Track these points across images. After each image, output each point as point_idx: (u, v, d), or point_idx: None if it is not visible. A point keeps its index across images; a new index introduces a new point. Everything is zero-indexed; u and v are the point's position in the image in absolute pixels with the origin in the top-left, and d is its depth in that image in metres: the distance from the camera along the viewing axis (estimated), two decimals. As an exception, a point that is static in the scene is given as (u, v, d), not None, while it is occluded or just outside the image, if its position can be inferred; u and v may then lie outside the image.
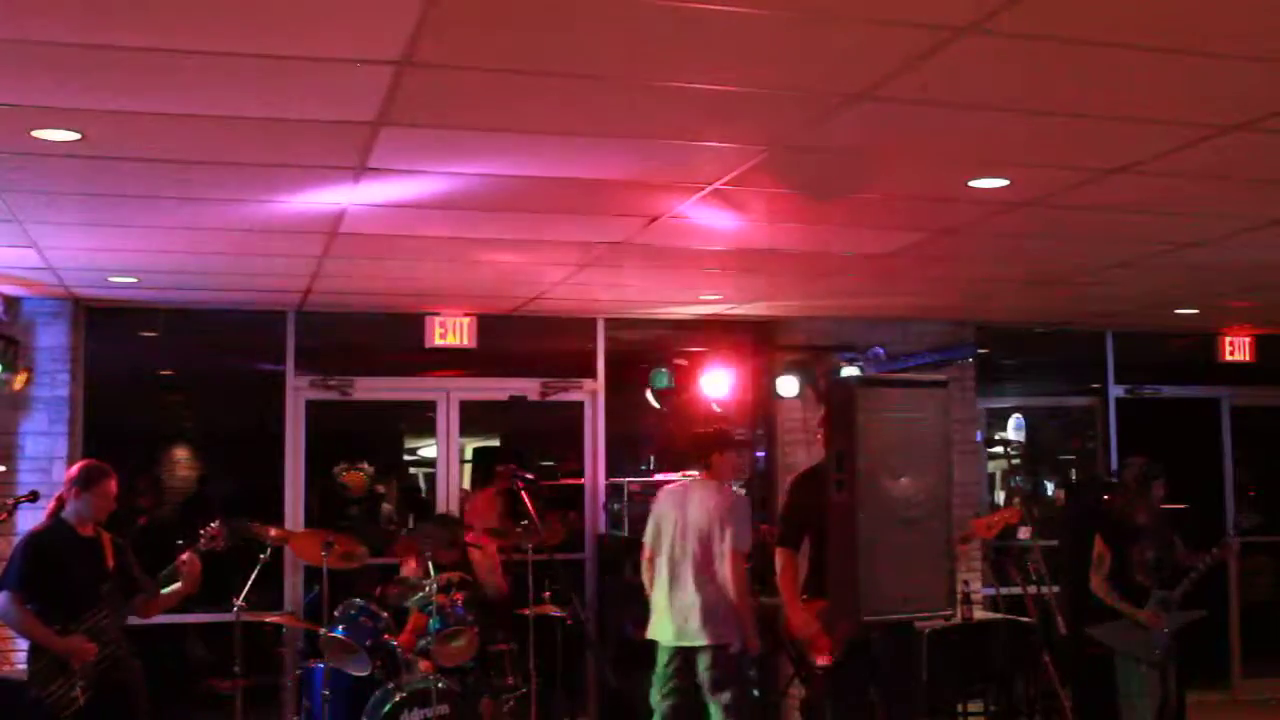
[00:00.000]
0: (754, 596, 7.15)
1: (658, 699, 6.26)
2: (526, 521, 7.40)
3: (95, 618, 5.73)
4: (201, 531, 6.14)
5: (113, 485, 5.91)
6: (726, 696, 6.07)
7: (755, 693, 6.69)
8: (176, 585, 6.01)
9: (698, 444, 6.48)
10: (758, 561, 7.05)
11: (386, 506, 10.25)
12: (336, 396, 8.64)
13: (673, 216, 5.64)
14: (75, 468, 6.04)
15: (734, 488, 6.64)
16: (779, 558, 6.07)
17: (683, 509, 6.30)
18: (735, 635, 6.10)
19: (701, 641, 6.11)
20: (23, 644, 6.22)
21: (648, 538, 6.43)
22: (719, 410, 8.91)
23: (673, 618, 6.19)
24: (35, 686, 5.65)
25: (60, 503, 5.91)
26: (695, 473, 6.50)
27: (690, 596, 6.15)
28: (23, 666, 6.13)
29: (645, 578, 6.44)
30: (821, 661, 6.03)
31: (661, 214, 5.62)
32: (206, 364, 9.12)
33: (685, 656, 6.16)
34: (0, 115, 4.06)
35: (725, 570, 6.09)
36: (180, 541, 6.28)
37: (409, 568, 7.59)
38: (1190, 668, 7.07)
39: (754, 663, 6.51)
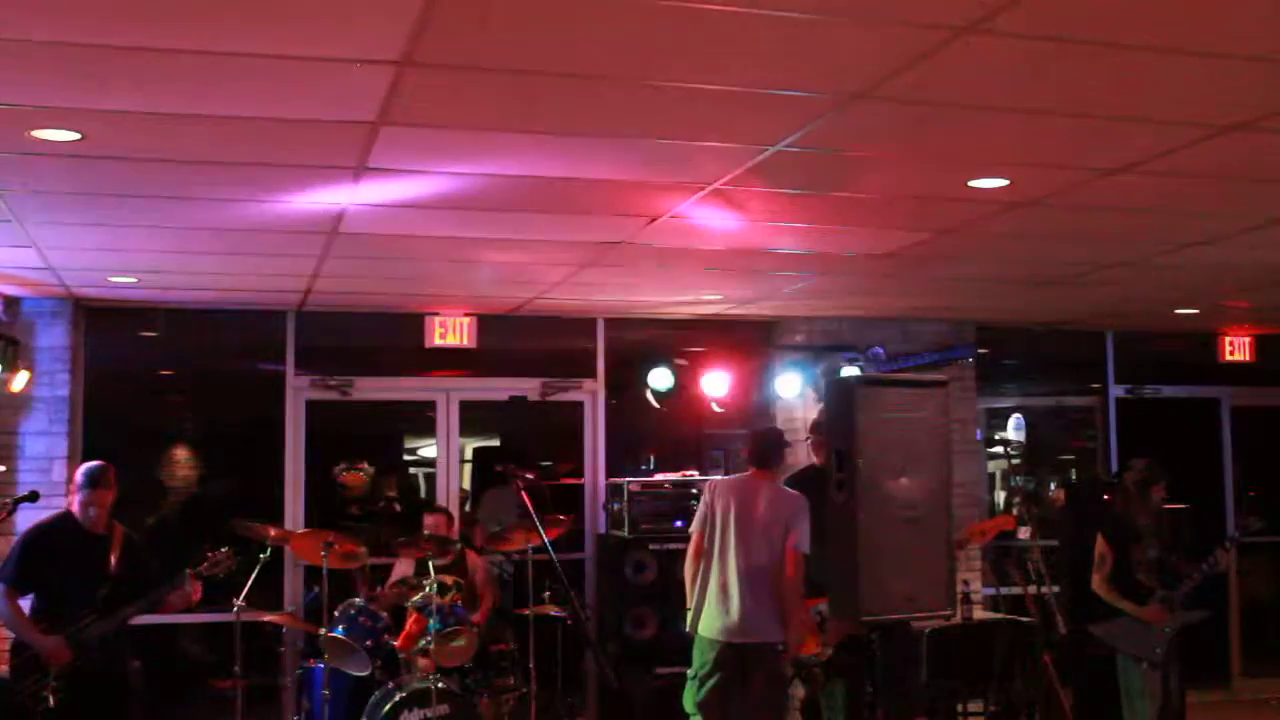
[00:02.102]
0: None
1: (696, 700, 6.04)
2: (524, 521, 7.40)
3: (82, 620, 5.72)
4: (209, 554, 6.11)
5: (107, 494, 5.90)
6: (770, 696, 5.91)
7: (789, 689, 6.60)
8: (173, 600, 6.00)
9: (767, 442, 6.28)
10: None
11: (396, 507, 10.27)
12: (336, 396, 8.64)
13: (673, 216, 5.65)
14: (81, 467, 6.06)
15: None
16: None
17: (746, 504, 6.06)
18: (784, 635, 5.95)
19: (757, 639, 5.92)
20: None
21: (697, 528, 6.18)
22: (719, 410, 8.91)
23: (725, 613, 5.96)
24: (13, 681, 5.69)
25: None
26: (750, 470, 6.26)
27: (749, 593, 5.92)
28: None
29: (688, 570, 6.19)
30: (812, 659, 6.03)
31: (661, 214, 5.62)
32: (206, 364, 9.12)
33: (736, 653, 5.96)
34: (0, 115, 4.06)
35: (787, 570, 5.92)
36: (180, 543, 6.28)
37: (402, 568, 7.60)
38: (1190, 668, 7.06)
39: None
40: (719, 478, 6.54)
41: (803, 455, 8.19)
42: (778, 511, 6.01)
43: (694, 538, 6.19)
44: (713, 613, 6.02)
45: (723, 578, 6.01)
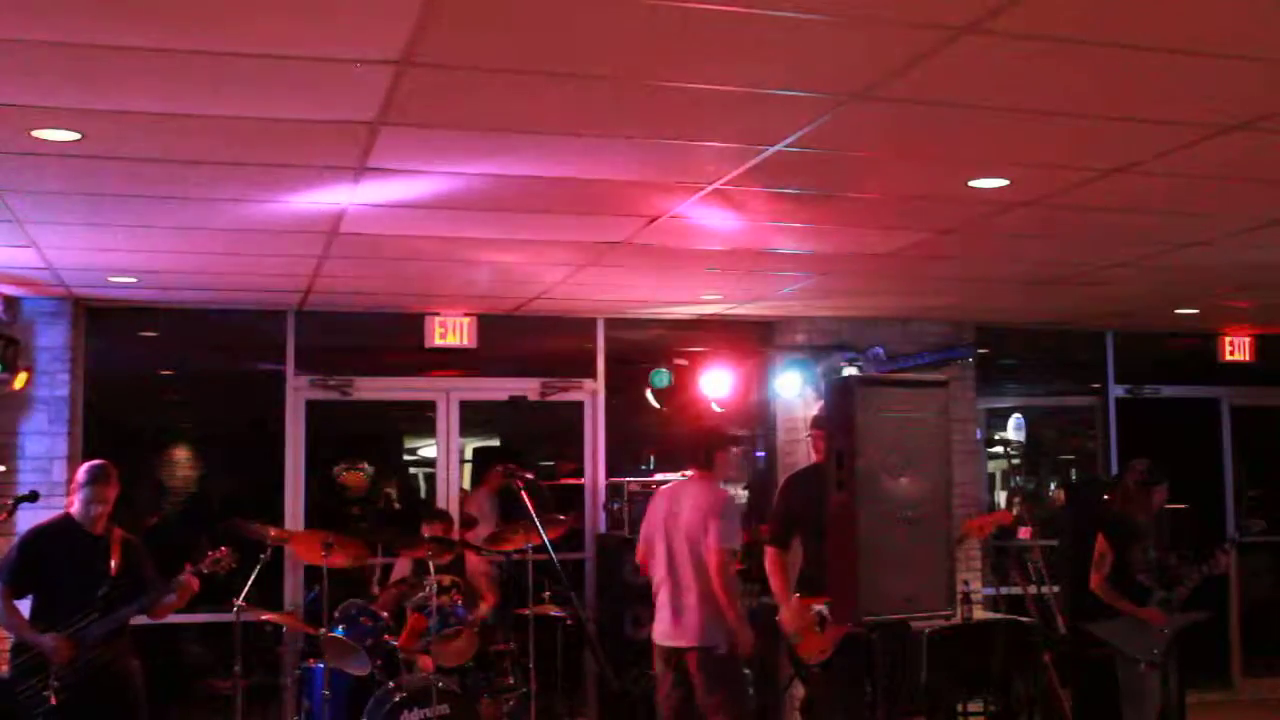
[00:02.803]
0: (750, 596, 7.14)
1: (659, 699, 6.22)
2: (524, 521, 7.40)
3: (84, 620, 5.71)
4: (210, 553, 6.12)
5: (110, 491, 5.89)
6: (716, 701, 6.02)
7: (750, 692, 6.60)
8: (171, 597, 6.00)
9: (698, 442, 6.38)
10: (754, 561, 7.06)
11: (395, 506, 10.27)
12: (336, 396, 8.64)
13: (673, 216, 5.65)
14: (82, 466, 6.05)
15: (727, 487, 6.56)
16: (767, 556, 6.07)
17: (675, 508, 6.22)
18: (722, 637, 6.02)
19: (688, 643, 6.04)
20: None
21: (641, 538, 6.39)
22: (719, 410, 8.91)
23: (663, 618, 6.14)
24: (14, 680, 5.68)
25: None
26: (690, 471, 6.42)
27: (681, 596, 6.08)
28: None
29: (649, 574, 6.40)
30: (811, 659, 6.04)
31: (661, 214, 5.62)
32: (206, 364, 9.12)
33: (678, 657, 6.09)
34: (0, 115, 4.06)
35: (711, 568, 6.03)
36: (180, 542, 6.26)
37: (402, 568, 7.60)
38: (1190, 668, 7.06)
39: (748, 663, 6.46)
40: (662, 485, 6.66)
41: (802, 455, 8.19)
42: (700, 511, 6.10)
43: (639, 547, 6.41)
44: (658, 617, 6.21)
45: (663, 582, 6.18)
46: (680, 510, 6.19)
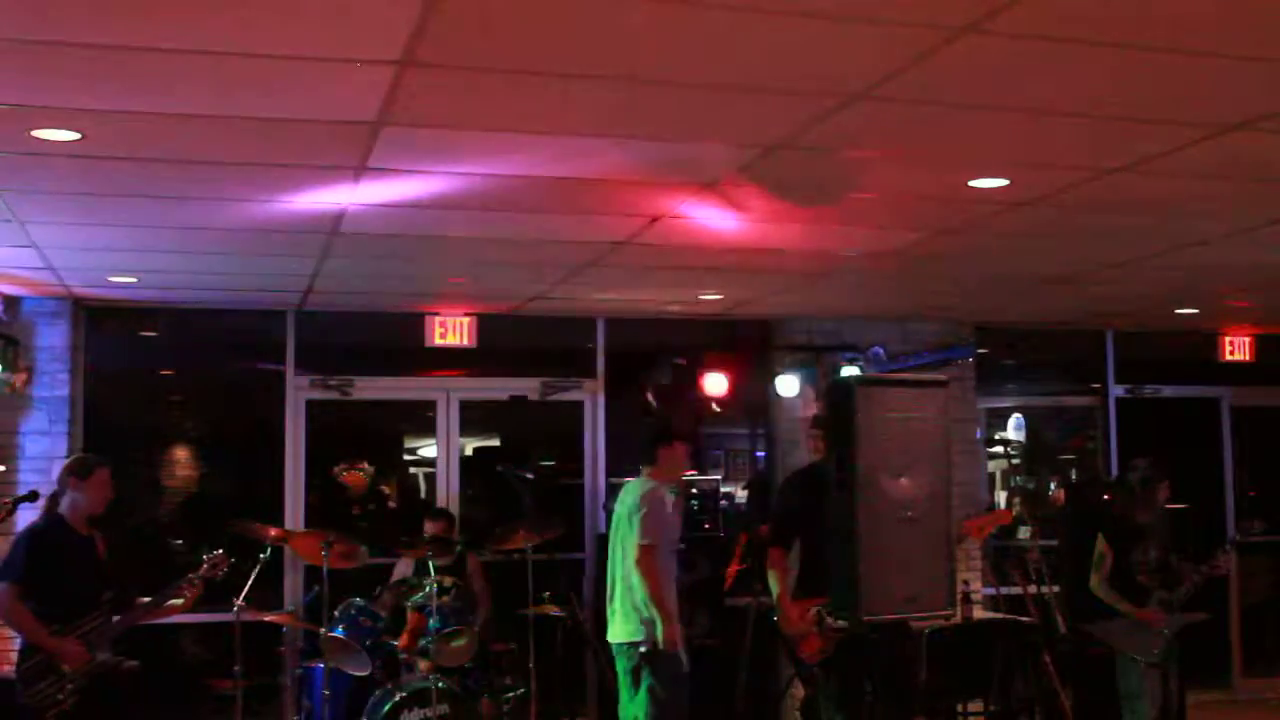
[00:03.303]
0: (750, 596, 7.14)
1: (624, 702, 6.26)
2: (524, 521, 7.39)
3: (93, 621, 5.69)
4: (205, 558, 6.13)
5: (108, 475, 5.89)
6: (640, 696, 6.07)
7: (664, 691, 6.24)
8: (176, 601, 6.00)
9: (647, 438, 6.40)
10: (755, 561, 7.06)
11: (391, 504, 10.26)
12: (336, 396, 8.64)
13: (673, 216, 5.65)
14: (70, 460, 6.03)
15: (668, 485, 6.39)
16: (768, 556, 6.08)
17: (618, 505, 6.40)
18: (647, 634, 6.04)
19: (619, 639, 6.16)
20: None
21: None
22: (718, 410, 8.92)
23: (608, 615, 6.30)
24: (22, 683, 5.62)
25: (55, 500, 5.88)
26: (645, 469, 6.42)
27: (615, 594, 6.22)
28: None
29: None
30: (809, 659, 6.05)
31: (661, 214, 5.62)
32: (206, 364, 9.11)
33: (615, 652, 6.24)
34: (0, 115, 4.06)
35: (629, 563, 6.09)
36: (179, 541, 6.26)
37: (402, 568, 7.60)
38: (1190, 668, 7.06)
39: (727, 665, 6.49)
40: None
41: (802, 455, 8.19)
42: (628, 507, 6.22)
43: None
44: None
45: (608, 580, 6.34)
46: (619, 507, 6.34)
